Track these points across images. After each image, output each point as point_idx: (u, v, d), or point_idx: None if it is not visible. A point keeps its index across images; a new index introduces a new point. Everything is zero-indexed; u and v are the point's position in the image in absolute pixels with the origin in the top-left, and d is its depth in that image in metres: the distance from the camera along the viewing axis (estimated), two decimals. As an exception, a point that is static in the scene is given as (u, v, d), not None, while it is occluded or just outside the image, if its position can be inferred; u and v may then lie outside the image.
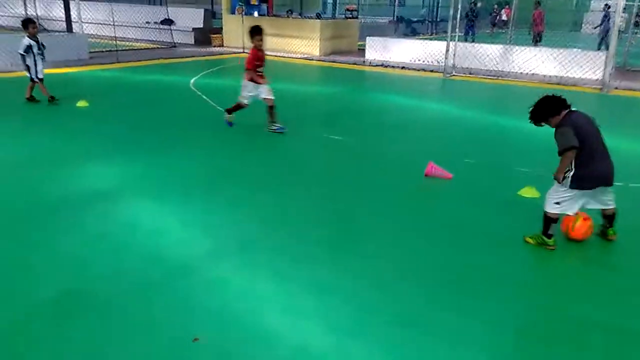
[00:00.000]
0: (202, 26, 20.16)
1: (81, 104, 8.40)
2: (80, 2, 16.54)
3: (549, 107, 4.10)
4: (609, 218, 4.21)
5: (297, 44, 17.42)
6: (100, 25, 20.56)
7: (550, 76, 13.14)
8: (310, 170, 5.86)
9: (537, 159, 6.42)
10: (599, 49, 16.65)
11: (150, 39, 19.58)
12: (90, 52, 14.31)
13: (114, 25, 14.94)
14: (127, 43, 18.31)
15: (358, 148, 6.78)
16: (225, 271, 3.53)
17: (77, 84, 10.46)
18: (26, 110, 8.11)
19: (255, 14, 18.92)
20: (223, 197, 4.86)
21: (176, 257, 3.69)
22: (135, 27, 20.52)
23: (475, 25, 20.94)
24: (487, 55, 14.14)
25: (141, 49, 17.18)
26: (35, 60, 8.16)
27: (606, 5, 18.90)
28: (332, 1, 27.49)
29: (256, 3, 18.81)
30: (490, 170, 6.05)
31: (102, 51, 14.67)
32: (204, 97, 9.57)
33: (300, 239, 4.06)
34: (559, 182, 3.97)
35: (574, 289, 3.58)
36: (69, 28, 14.40)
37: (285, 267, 3.61)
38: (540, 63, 13.53)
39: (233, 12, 18.80)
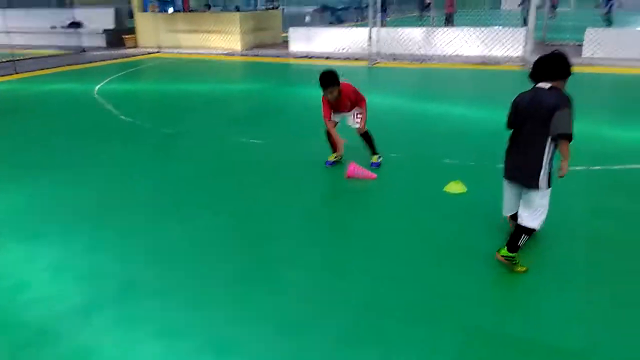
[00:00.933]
0: (113, 27, 18.84)
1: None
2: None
3: (566, 66, 3.20)
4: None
5: (217, 39, 16.55)
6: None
7: (473, 56, 13.04)
8: (223, 184, 5.21)
9: (466, 148, 6.08)
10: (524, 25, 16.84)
11: (58, 44, 18.11)
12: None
13: (7, 32, 13.50)
14: (32, 51, 16.81)
15: (278, 152, 6.18)
16: (96, 333, 2.85)
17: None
18: None
19: (170, 10, 17.85)
20: (113, 229, 4.14)
21: (35, 319, 2.97)
22: (40, 33, 18.95)
23: (387, 9, 20.99)
24: (410, 39, 13.89)
25: (45, 56, 15.76)
26: None
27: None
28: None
29: (169, -1, 17.73)
30: (417, 164, 5.64)
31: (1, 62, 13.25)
32: (107, 105, 8.65)
33: (200, 277, 3.43)
34: (549, 186, 3.29)
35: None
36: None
37: (176, 320, 2.97)
38: (463, 44, 13.41)
39: (146, 10, 17.64)
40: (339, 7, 26.90)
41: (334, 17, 26.40)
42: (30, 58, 14.92)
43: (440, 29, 14.13)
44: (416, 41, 13.87)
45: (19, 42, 18.81)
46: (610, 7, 18.25)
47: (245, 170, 5.58)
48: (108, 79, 11.32)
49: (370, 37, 12.96)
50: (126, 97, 9.57)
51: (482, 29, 13.44)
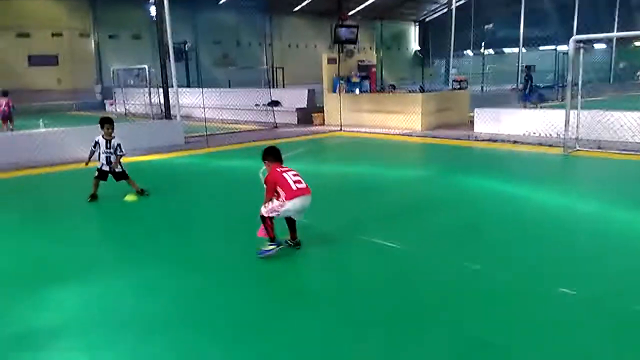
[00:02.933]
0: (305, 106, 20.02)
1: (129, 198, 7.89)
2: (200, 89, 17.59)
3: None
4: None
5: (398, 119, 16.20)
6: (215, 109, 21.60)
7: None
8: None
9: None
10: None
11: (258, 120, 19.87)
12: (187, 137, 14.51)
13: (203, 108, 15.12)
14: (235, 125, 18.65)
15: (412, 261, 5.12)
16: None
17: (147, 173, 10.18)
18: (67, 204, 7.75)
19: (357, 91, 18.23)
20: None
21: None
22: (245, 109, 21.09)
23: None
24: (622, 124, 11.54)
25: (242, 131, 17.25)
26: (99, 156, 7.87)
27: None
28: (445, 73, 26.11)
29: (357, 80, 18.15)
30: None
31: (195, 136, 14.80)
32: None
33: None
34: None
35: None
36: (167, 115, 14.82)
37: None
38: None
39: (335, 91, 18.33)
40: (541, 85, 24.65)
41: (535, 95, 24.24)
42: (227, 132, 16.44)
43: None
44: (630, 127, 11.46)
45: (227, 117, 21.30)
46: None
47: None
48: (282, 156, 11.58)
49: (567, 121, 11.06)
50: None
51: None
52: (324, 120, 18.76)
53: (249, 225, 5.58)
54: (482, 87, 32.23)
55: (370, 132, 15.78)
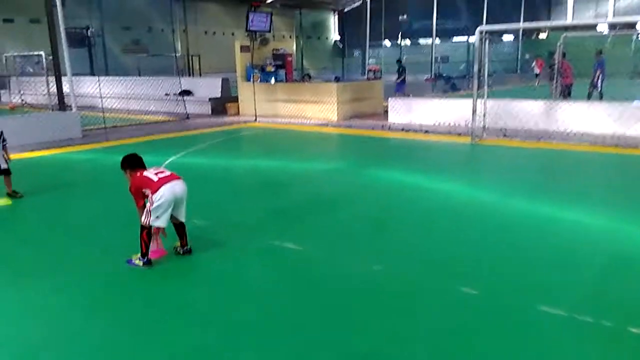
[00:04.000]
0: (219, 95, 19.20)
1: (1, 201, 6.93)
2: (101, 77, 16.17)
3: None
4: None
5: (313, 109, 15.87)
6: (120, 99, 20.18)
7: (604, 136, 10.66)
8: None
9: (566, 290, 4.14)
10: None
11: (169, 111, 18.79)
12: (84, 131, 13.32)
13: (101, 98, 13.96)
14: (143, 117, 17.49)
15: (309, 264, 4.74)
16: None
17: (30, 172, 9.10)
18: None
19: (272, 80, 17.68)
20: None
21: None
22: (154, 100, 19.89)
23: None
24: (525, 112, 11.90)
25: (149, 122, 16.18)
26: None
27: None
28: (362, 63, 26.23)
29: (272, 70, 17.59)
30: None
31: (95, 129, 13.62)
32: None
33: None
34: None
35: None
36: (62, 106, 13.53)
37: None
38: (592, 120, 11.11)
39: (249, 80, 17.67)
40: (454, 75, 25.40)
41: (449, 85, 24.93)
42: (133, 124, 15.34)
43: (565, 103, 11.97)
44: (533, 115, 11.84)
45: (134, 107, 19.98)
46: None
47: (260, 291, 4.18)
48: (187, 151, 10.85)
49: (474, 110, 11.21)
50: (185, 173, 8.73)
51: (618, 103, 11.07)
52: (238, 110, 18.09)
53: (132, 232, 4.93)
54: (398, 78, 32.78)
55: (286, 123, 15.34)
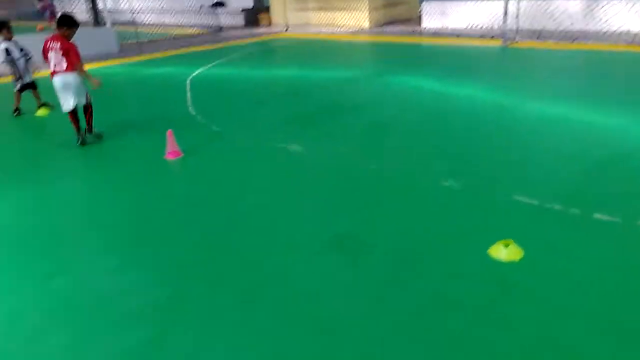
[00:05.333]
0: (251, 6, 18.97)
1: (41, 112, 7.55)
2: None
3: None
4: None
5: (345, 16, 15.55)
6: (156, 13, 20.32)
7: (646, 34, 10.07)
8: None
9: (568, 185, 4.31)
10: None
11: (203, 23, 18.84)
12: (122, 45, 13.73)
13: (131, 12, 14.15)
14: (177, 30, 17.67)
15: (310, 163, 5.09)
16: None
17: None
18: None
19: (304, -13, 17.23)
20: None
21: None
22: (189, 12, 19.89)
23: None
24: (561, 11, 11.28)
25: (182, 36, 16.37)
26: (17, 65, 7.41)
27: None
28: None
29: (303, -25, 17.09)
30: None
31: (131, 43, 14.00)
32: (185, 93, 8.30)
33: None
34: None
35: None
36: (96, 21, 13.88)
37: None
38: (633, 17, 10.45)
39: (280, -12, 17.32)
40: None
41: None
42: (165, 39, 15.59)
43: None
44: (569, 15, 11.23)
45: (169, 21, 20.11)
46: None
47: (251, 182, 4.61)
48: (215, 63, 11.13)
49: (506, 11, 10.73)
50: (211, 84, 9.16)
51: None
52: (270, 21, 17.93)
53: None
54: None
55: (316, 32, 15.17)
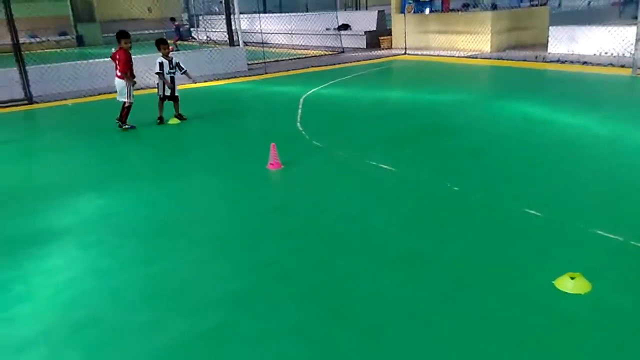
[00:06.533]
0: (374, 29, 19.52)
1: (172, 121, 8.61)
2: (261, 15, 17.63)
3: None
4: None
5: (465, 40, 15.41)
6: (285, 35, 21.72)
7: None
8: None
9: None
10: None
11: (328, 45, 19.79)
12: (249, 64, 14.98)
13: (261, 33, 15.27)
14: (302, 51, 18.77)
15: (397, 181, 5.30)
16: None
17: (201, 99, 10.83)
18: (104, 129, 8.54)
19: (427, 10, 17.40)
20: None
21: None
22: (315, 34, 20.97)
23: None
24: None
25: (306, 56, 17.36)
26: (164, 79, 8.44)
27: None
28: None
29: (426, -1, 17.28)
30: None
31: (257, 63, 15.19)
32: (294, 111, 8.91)
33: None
34: None
35: None
36: (231, 41, 15.29)
37: None
38: None
39: (403, 11, 17.64)
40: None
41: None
42: (289, 59, 16.64)
43: None
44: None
45: (296, 43, 21.36)
46: None
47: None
48: (330, 82, 11.72)
49: (638, 38, 9.97)
50: (322, 103, 9.69)
51: None
52: (391, 43, 18.29)
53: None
54: (589, 2, 28.87)
55: (435, 55, 15.22)
